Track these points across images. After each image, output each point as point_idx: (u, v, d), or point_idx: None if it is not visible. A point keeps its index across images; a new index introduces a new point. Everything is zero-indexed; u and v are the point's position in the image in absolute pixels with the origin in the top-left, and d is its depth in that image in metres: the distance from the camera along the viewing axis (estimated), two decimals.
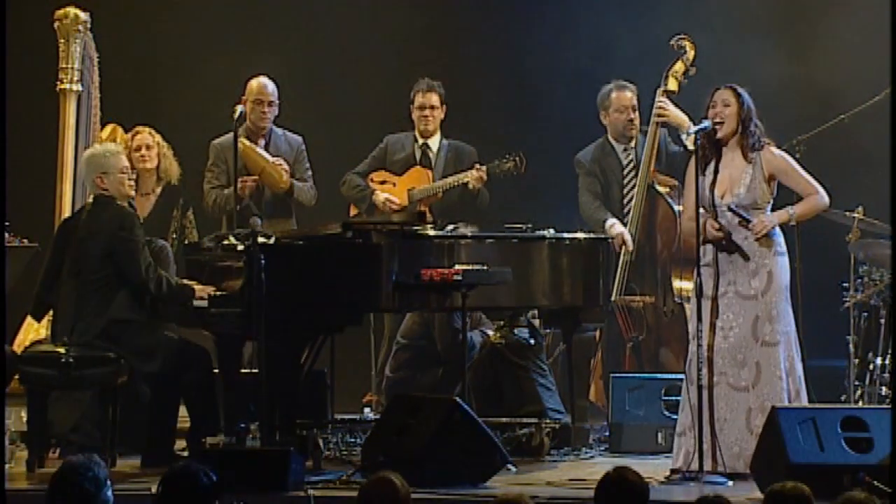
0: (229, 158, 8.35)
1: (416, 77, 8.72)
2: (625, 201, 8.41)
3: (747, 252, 6.79)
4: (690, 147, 6.88)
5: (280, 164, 8.37)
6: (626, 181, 8.43)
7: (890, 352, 8.08)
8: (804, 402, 6.85)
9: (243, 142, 8.31)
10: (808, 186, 6.88)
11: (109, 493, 4.43)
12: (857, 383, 8.22)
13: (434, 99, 8.61)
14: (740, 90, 6.85)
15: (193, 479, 4.46)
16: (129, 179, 7.30)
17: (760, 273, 6.79)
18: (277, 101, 8.51)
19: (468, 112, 9.16)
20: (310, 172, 8.56)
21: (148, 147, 8.22)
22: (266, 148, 8.52)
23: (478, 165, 8.40)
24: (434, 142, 8.69)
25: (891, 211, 7.57)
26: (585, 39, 9.72)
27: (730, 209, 6.77)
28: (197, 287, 7.15)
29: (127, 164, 7.34)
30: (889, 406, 7.55)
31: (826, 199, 6.91)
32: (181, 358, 7.15)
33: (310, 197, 8.52)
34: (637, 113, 8.42)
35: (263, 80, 8.48)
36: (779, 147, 7.02)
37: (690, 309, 6.93)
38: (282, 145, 8.54)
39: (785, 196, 6.99)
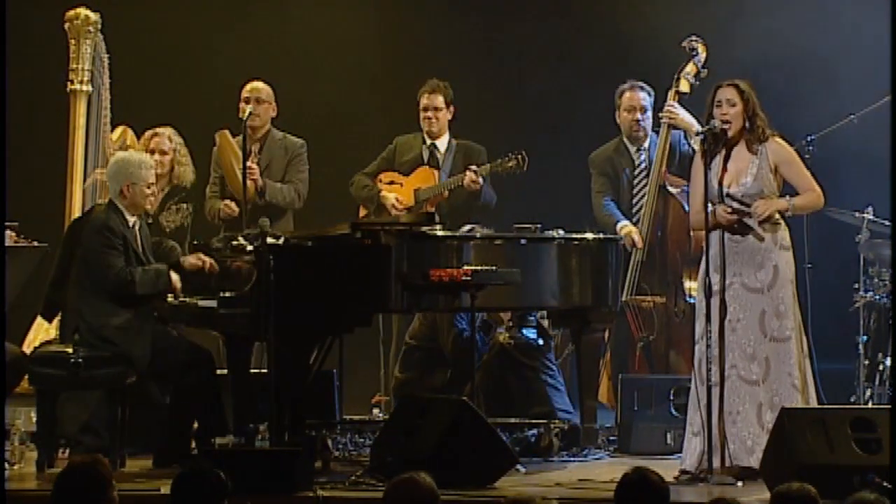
0: (222, 163, 8.39)
1: (425, 77, 8.72)
2: (634, 201, 8.40)
3: (755, 244, 6.79)
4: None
5: (251, 172, 8.32)
6: (636, 182, 8.41)
7: (890, 352, 8.06)
8: (813, 399, 6.85)
9: (227, 140, 8.35)
10: (807, 182, 6.90)
11: (114, 493, 4.45)
12: (866, 384, 8.21)
13: (439, 100, 8.59)
14: (742, 86, 6.85)
15: (202, 479, 4.47)
16: (152, 195, 7.36)
17: (767, 266, 6.80)
18: (270, 103, 8.50)
19: (477, 112, 9.15)
20: (303, 175, 8.52)
21: (163, 152, 8.20)
22: (260, 151, 8.52)
23: (473, 167, 8.39)
24: (442, 142, 8.68)
25: (891, 211, 7.58)
26: (599, 37, 9.72)
27: (728, 195, 6.77)
28: (172, 274, 7.14)
29: (154, 180, 7.36)
30: None
31: (822, 200, 6.94)
32: (184, 359, 7.16)
33: (287, 198, 8.46)
34: (647, 114, 8.39)
35: (255, 81, 8.51)
36: (790, 144, 7.04)
37: (696, 307, 6.92)
38: (276, 149, 8.54)
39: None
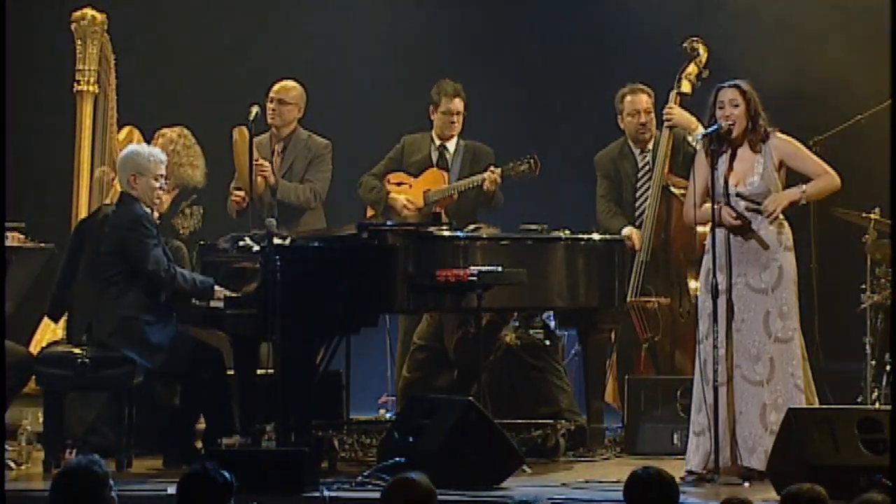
0: (236, 160, 8.41)
1: (431, 77, 8.70)
2: (637, 203, 8.40)
3: (760, 244, 6.80)
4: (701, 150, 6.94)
5: (260, 170, 8.32)
6: (639, 184, 8.41)
7: (890, 352, 8.05)
8: (815, 399, 6.85)
9: (243, 137, 8.36)
10: (817, 167, 6.89)
11: (111, 493, 4.44)
12: (873, 385, 8.19)
13: (460, 104, 8.56)
14: (744, 87, 6.86)
15: (208, 480, 4.47)
16: (160, 189, 7.32)
17: (771, 267, 6.81)
18: (295, 104, 8.50)
19: (484, 112, 9.14)
20: (322, 175, 8.49)
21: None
22: (283, 150, 8.53)
23: (492, 168, 8.38)
24: (451, 143, 8.65)
25: (891, 211, 7.57)
26: (605, 37, 9.71)
27: (738, 195, 6.78)
28: (217, 288, 7.16)
29: (164, 173, 7.33)
30: None
31: (838, 179, 6.87)
32: (195, 358, 7.17)
33: (301, 198, 8.41)
34: (652, 116, 8.39)
35: (285, 81, 8.51)
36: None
37: (700, 307, 6.90)
38: (300, 149, 8.54)
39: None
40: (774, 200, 6.79)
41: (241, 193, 8.40)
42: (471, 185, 8.43)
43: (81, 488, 4.38)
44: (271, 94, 8.49)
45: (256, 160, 8.22)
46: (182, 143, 8.28)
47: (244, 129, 8.35)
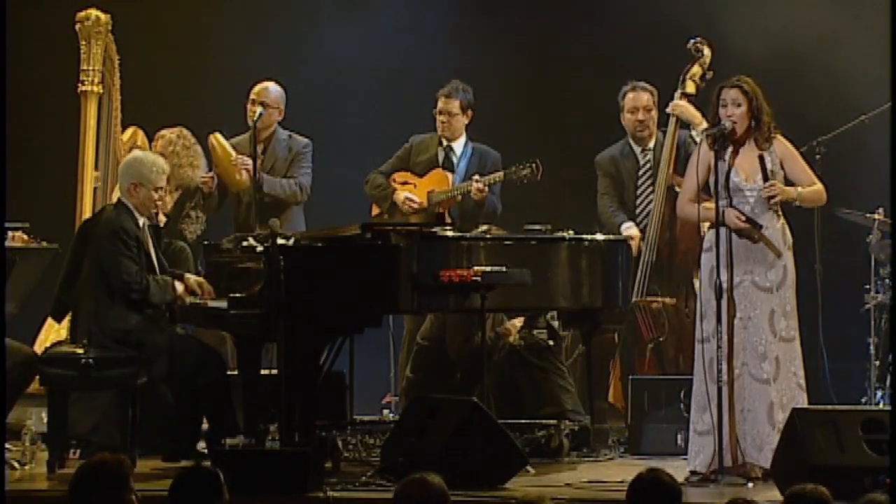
0: (218, 166, 8.41)
1: (439, 78, 8.71)
2: (637, 202, 8.40)
3: (768, 243, 6.81)
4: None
5: (241, 164, 8.32)
6: (640, 182, 8.41)
7: (890, 351, 8.05)
8: (804, 398, 6.87)
9: (220, 142, 8.37)
10: (810, 178, 6.95)
11: (132, 496, 4.44)
12: (877, 385, 8.19)
13: (454, 105, 8.56)
14: (746, 87, 6.86)
15: (197, 479, 4.47)
16: (159, 200, 7.34)
17: (777, 266, 6.82)
18: (276, 106, 8.47)
19: (490, 113, 9.15)
20: (304, 171, 8.46)
21: (161, 155, 8.19)
22: (264, 151, 8.51)
23: (477, 177, 8.37)
24: (458, 145, 8.66)
25: (891, 211, 7.58)
26: (610, 37, 9.71)
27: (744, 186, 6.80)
28: (177, 284, 7.16)
29: (164, 185, 7.33)
30: None
31: (825, 196, 6.98)
32: (195, 360, 7.16)
33: (287, 192, 8.40)
34: (651, 114, 8.38)
35: (265, 82, 8.51)
36: (798, 147, 7.06)
37: (702, 305, 6.88)
38: (280, 149, 8.52)
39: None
40: (779, 187, 6.80)
41: (210, 174, 8.37)
42: (467, 190, 8.43)
43: (104, 485, 4.38)
44: (252, 96, 8.47)
45: (235, 160, 8.23)
46: (181, 144, 8.28)
47: (218, 134, 8.37)
